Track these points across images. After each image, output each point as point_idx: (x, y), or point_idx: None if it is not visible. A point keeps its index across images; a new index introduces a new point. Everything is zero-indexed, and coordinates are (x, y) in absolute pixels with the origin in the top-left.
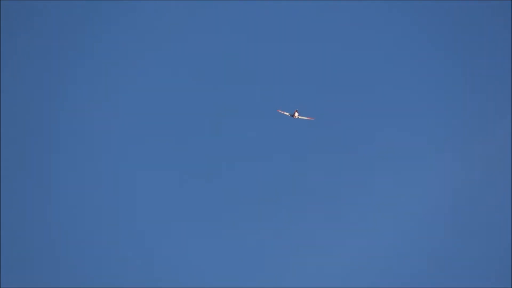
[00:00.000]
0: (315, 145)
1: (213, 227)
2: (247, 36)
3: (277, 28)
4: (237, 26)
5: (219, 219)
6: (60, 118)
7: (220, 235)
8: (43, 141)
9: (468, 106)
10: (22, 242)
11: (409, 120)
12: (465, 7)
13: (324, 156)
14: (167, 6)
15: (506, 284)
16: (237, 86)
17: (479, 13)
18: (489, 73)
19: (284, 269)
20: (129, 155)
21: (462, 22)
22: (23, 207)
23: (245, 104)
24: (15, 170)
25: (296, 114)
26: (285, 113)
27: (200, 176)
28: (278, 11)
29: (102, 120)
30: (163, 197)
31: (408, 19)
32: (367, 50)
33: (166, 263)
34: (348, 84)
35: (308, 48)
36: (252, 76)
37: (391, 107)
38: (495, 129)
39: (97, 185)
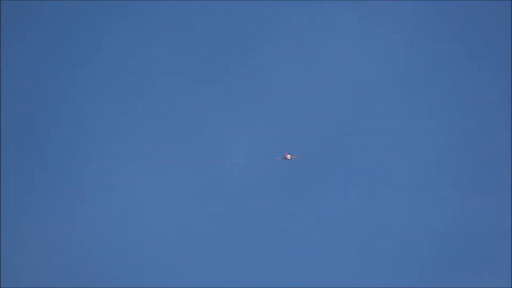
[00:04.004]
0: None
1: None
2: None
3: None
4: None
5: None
6: (60, 117)
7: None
8: (43, 140)
9: (467, 106)
10: (22, 242)
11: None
12: (465, 7)
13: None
14: (165, 7)
15: (506, 284)
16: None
17: (479, 13)
18: (489, 72)
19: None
20: (128, 153)
21: (463, 22)
22: (23, 207)
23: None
24: (15, 170)
25: (288, 155)
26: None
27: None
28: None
29: (101, 119)
30: (162, 196)
31: (407, 19)
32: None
33: (166, 263)
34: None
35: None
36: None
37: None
38: (495, 129)
39: (97, 185)
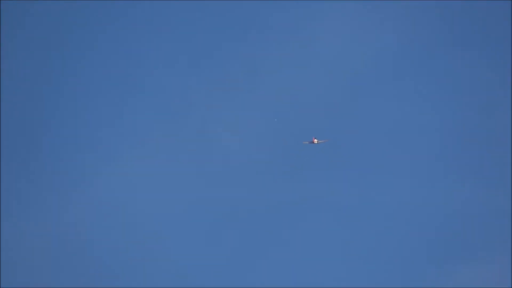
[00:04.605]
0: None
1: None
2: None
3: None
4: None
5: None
6: (59, 117)
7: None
8: (42, 140)
9: (467, 106)
10: (22, 242)
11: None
12: (465, 7)
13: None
14: (166, 7)
15: (506, 284)
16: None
17: (479, 13)
18: (489, 73)
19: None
20: (128, 151)
21: (463, 22)
22: (23, 208)
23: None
24: (15, 170)
25: (315, 140)
26: (307, 142)
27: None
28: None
29: (100, 118)
30: (161, 195)
31: (408, 20)
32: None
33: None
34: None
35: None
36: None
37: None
38: (494, 128)
39: (97, 185)
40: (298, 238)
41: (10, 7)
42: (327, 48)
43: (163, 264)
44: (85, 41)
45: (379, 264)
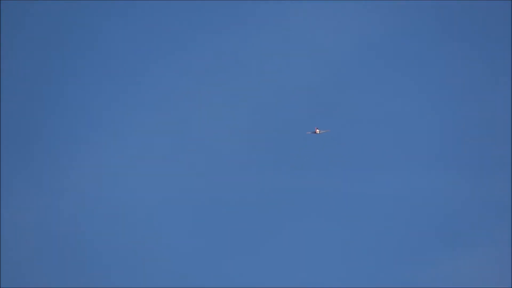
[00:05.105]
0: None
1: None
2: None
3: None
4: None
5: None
6: (60, 117)
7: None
8: (42, 140)
9: (467, 105)
10: (22, 242)
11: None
12: (465, 6)
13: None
14: (166, 7)
15: (506, 284)
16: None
17: (479, 13)
18: (489, 73)
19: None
20: (127, 150)
21: (463, 22)
22: (23, 208)
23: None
24: (15, 170)
25: (317, 130)
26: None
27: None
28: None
29: (100, 118)
30: (161, 193)
31: (408, 20)
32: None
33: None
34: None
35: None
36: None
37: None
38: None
39: (96, 185)
40: (298, 237)
41: (10, 7)
42: (323, 45)
43: (161, 264)
44: (85, 41)
45: (376, 262)
